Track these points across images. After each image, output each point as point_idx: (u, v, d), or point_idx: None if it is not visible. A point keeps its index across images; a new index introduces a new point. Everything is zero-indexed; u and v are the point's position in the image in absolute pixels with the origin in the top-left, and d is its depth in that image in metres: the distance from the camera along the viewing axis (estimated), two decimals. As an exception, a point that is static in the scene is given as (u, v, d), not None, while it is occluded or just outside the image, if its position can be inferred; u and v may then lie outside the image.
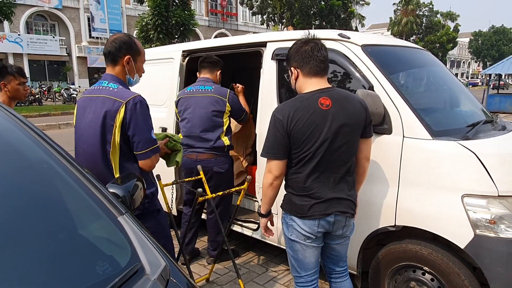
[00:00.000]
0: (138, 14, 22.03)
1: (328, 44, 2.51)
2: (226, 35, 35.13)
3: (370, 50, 2.50)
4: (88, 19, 31.52)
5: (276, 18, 31.07)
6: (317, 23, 30.47)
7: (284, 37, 2.86)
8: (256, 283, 3.16)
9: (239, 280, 2.82)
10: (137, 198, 1.63)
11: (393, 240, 2.42)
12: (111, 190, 1.49)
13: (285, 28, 28.78)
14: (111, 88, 1.97)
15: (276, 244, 3.09)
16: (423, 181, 2.22)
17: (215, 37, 37.16)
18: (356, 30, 33.32)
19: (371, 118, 2.01)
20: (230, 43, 3.29)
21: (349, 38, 2.54)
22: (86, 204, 1.24)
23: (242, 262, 3.53)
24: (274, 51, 2.87)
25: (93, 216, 1.24)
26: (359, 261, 2.58)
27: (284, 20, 30.29)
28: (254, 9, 31.50)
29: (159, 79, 3.73)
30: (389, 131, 2.33)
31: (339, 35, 2.58)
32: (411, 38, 46.55)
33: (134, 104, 1.91)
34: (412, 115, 2.27)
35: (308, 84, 1.95)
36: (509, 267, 2.02)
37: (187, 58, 3.63)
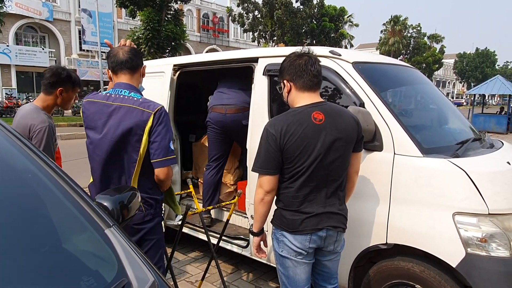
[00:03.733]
0: (130, 28, 22.11)
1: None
2: (217, 51, 35.46)
3: (361, 67, 2.52)
4: (79, 31, 31.49)
5: (267, 36, 31.51)
6: (308, 42, 31.00)
7: (275, 53, 2.88)
8: (244, 301, 3.09)
9: (227, 298, 2.75)
10: (134, 206, 1.60)
11: (385, 258, 2.39)
12: (100, 202, 1.45)
13: (276, 46, 29.15)
14: (135, 98, 2.00)
15: (265, 262, 3.03)
16: (414, 199, 2.22)
17: (206, 52, 37.45)
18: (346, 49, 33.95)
19: (362, 133, 2.01)
20: (222, 58, 3.30)
21: (340, 55, 2.57)
22: (71, 216, 1.20)
23: (230, 279, 3.45)
24: (265, 66, 2.88)
25: (78, 229, 1.20)
26: (350, 279, 2.54)
27: (275, 38, 30.74)
28: (245, 26, 31.93)
29: (150, 93, 3.68)
30: (380, 148, 2.33)
31: (330, 52, 2.61)
32: (399, 58, 47.61)
33: (160, 113, 1.97)
34: (403, 132, 2.28)
35: (301, 98, 1.94)
36: (500, 286, 2.00)
37: (178, 72, 3.62)
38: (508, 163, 2.36)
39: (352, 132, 1.94)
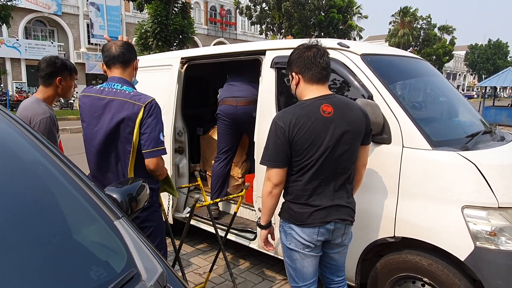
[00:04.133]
0: (138, 21, 22.10)
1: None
2: (224, 44, 35.36)
3: (369, 59, 2.50)
4: (87, 25, 31.61)
5: (274, 28, 31.30)
6: (316, 34, 30.73)
7: (283, 45, 2.86)
8: (252, 293, 3.11)
9: (235, 289, 2.77)
10: (142, 198, 1.63)
11: (392, 251, 2.39)
12: (109, 194, 1.46)
13: (284, 38, 28.97)
14: (127, 92, 2.08)
15: (273, 254, 3.05)
16: (422, 192, 2.20)
17: (214, 45, 37.38)
18: (355, 41, 33.61)
19: (371, 126, 2.00)
20: (230, 50, 3.29)
21: (348, 47, 2.55)
22: (81, 208, 1.22)
23: (238, 271, 3.48)
24: (273, 59, 2.86)
25: (88, 220, 1.21)
26: (358, 272, 2.54)
27: (283, 30, 30.53)
28: (253, 19, 31.74)
29: (157, 86, 3.71)
30: (388, 141, 2.32)
31: (339, 44, 2.58)
32: (408, 50, 46.98)
33: (151, 106, 2.04)
34: (412, 125, 2.26)
35: (309, 91, 1.93)
36: (509, 280, 1.99)
37: (185, 65, 3.62)
38: (519, 156, 2.33)
39: (360, 125, 1.93)
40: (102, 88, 2.13)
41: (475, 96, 55.35)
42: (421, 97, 2.99)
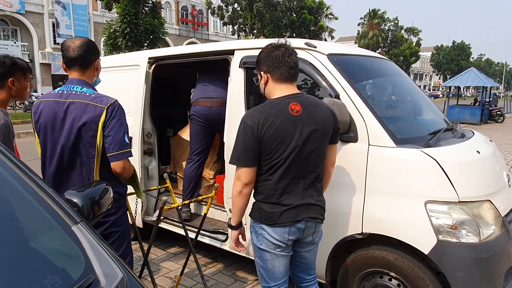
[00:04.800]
0: (106, 21, 21.56)
1: (296, 53, 2.54)
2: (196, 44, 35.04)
3: (336, 59, 2.54)
4: (53, 24, 30.52)
5: (247, 29, 31.34)
6: (288, 35, 30.99)
7: (251, 45, 2.86)
8: (224, 295, 3.09)
9: (207, 292, 2.74)
10: (106, 202, 1.59)
11: (360, 247, 2.44)
12: (69, 198, 1.41)
13: (257, 39, 28.99)
14: (87, 94, 2.01)
15: (244, 255, 3.04)
16: (388, 189, 2.26)
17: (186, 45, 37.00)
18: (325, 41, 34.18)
19: (338, 125, 2.03)
20: (198, 50, 3.25)
21: (315, 47, 2.58)
22: (37, 214, 1.16)
23: (210, 273, 3.45)
24: (241, 59, 2.86)
25: (45, 226, 1.16)
26: (328, 269, 2.57)
27: (255, 31, 30.60)
28: (225, 19, 31.64)
29: (124, 86, 3.63)
30: (355, 139, 2.36)
31: (306, 44, 2.61)
32: (377, 51, 48.30)
33: (114, 107, 1.99)
34: (377, 123, 2.31)
35: (278, 90, 1.94)
36: (470, 272, 2.07)
37: (153, 66, 3.56)
38: (478, 152, 2.43)
39: (328, 124, 1.95)
40: (60, 91, 2.04)
41: (441, 95, 57.59)
42: (386, 96, 3.07)
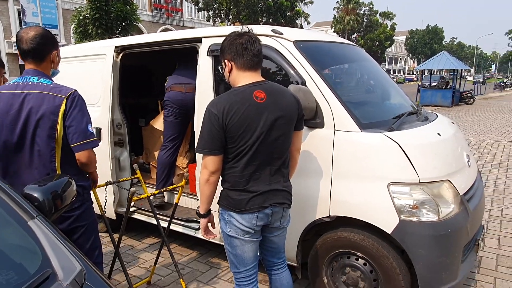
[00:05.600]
0: (75, 7, 20.79)
1: (262, 40, 2.54)
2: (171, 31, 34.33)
3: (302, 45, 2.56)
4: (19, 12, 29.15)
5: (222, 15, 30.90)
6: (264, 20, 30.78)
7: (219, 32, 2.84)
8: (199, 282, 3.13)
9: (181, 280, 2.77)
10: (69, 195, 1.58)
11: (330, 230, 2.51)
12: (29, 193, 1.39)
13: (232, 25, 28.70)
14: (45, 84, 1.96)
15: (218, 242, 3.08)
16: (353, 172, 2.32)
17: (160, 32, 36.20)
18: (301, 27, 34.15)
19: (303, 112, 2.06)
20: (165, 38, 3.20)
21: (282, 34, 2.58)
22: (-9, 210, 1.15)
23: (185, 261, 3.48)
24: (209, 46, 2.84)
25: (0, 222, 1.15)
26: (299, 252, 2.64)
27: (231, 17, 30.22)
28: (199, 5, 31.07)
29: (91, 76, 3.54)
30: (321, 125, 2.40)
31: (272, 31, 2.61)
32: (353, 36, 48.69)
33: (73, 98, 1.96)
34: (342, 109, 2.36)
35: (242, 77, 1.95)
36: (430, 249, 2.18)
37: (121, 54, 3.48)
38: (439, 134, 2.52)
39: (293, 111, 1.97)
40: (16, 83, 1.98)
41: (415, 79, 58.69)
42: (352, 81, 3.12)
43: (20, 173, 2.00)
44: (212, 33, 2.87)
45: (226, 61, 1.98)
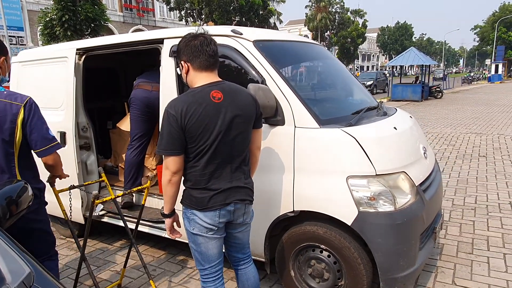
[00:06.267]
0: (41, 8, 20.15)
1: (222, 40, 2.59)
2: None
3: (261, 45, 2.61)
4: (-19, 14, 28.01)
5: (194, 14, 30.68)
6: (237, 19, 30.78)
7: (181, 33, 2.81)
8: (171, 282, 3.14)
9: (151, 281, 2.77)
10: (24, 200, 1.58)
11: (294, 224, 2.58)
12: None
13: (206, 24, 28.54)
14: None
15: (184, 241, 3.09)
16: (313, 168, 2.39)
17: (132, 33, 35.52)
18: (275, 26, 34.35)
19: (260, 110, 2.11)
20: (126, 40, 3.18)
21: (241, 34, 2.63)
22: None
23: (157, 262, 3.48)
24: (171, 48, 2.84)
25: None
26: (266, 248, 2.70)
27: (203, 16, 30.05)
28: (171, 4, 30.74)
29: (54, 79, 3.48)
30: (282, 122, 2.46)
31: (232, 31, 2.65)
32: (326, 34, 49.37)
33: (30, 105, 2.02)
34: (301, 106, 2.42)
35: (199, 78, 1.98)
36: (388, 237, 2.28)
37: (83, 57, 3.44)
38: (395, 128, 2.63)
39: (250, 109, 2.02)
40: None
41: (388, 75, 60.02)
42: (313, 79, 3.20)
43: None
44: (173, 34, 2.88)
45: (182, 62, 2.01)
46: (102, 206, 3.69)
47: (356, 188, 2.28)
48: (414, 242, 2.36)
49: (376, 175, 2.28)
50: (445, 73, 20.43)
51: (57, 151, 2.13)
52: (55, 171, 2.24)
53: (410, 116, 3.18)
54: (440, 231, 2.74)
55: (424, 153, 2.82)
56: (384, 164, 2.33)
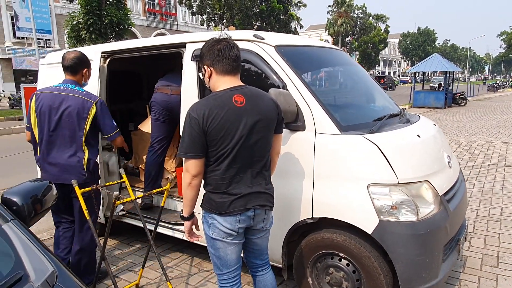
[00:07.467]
0: (68, 12, 20.78)
1: (243, 45, 2.60)
2: (165, 35, 34.30)
3: (283, 50, 2.60)
4: (12, 17, 29.10)
5: (216, 19, 30.99)
6: (258, 24, 30.91)
7: (203, 38, 2.86)
8: (188, 284, 3.15)
9: (168, 283, 2.79)
10: (49, 199, 1.61)
11: (313, 231, 2.54)
12: (7, 197, 1.42)
13: (227, 29, 28.79)
14: (80, 91, 2.81)
15: (204, 244, 3.10)
16: (334, 174, 2.36)
17: (154, 36, 36.18)
18: (295, 31, 34.32)
19: (282, 116, 2.10)
20: (150, 44, 3.24)
21: (263, 38, 2.63)
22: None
23: (175, 264, 3.50)
24: (193, 52, 2.87)
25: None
26: (284, 254, 2.67)
27: (225, 21, 30.32)
28: (193, 9, 31.15)
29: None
30: (302, 128, 2.44)
31: (254, 36, 2.66)
32: (347, 39, 48.99)
33: (100, 103, 2.83)
34: (323, 112, 2.40)
35: (222, 82, 1.98)
36: (410, 248, 2.22)
37: (108, 60, 3.51)
38: (418, 136, 2.57)
39: (272, 114, 2.01)
40: (58, 87, 2.81)
41: (409, 81, 59.06)
42: (334, 85, 3.17)
43: (54, 153, 2.79)
44: (196, 39, 2.91)
45: (205, 66, 2.02)
46: (122, 207, 3.75)
47: (377, 196, 2.24)
48: (437, 253, 2.29)
49: (398, 183, 2.23)
50: (447, 81, 19.32)
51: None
52: (121, 146, 3.12)
53: (434, 124, 3.11)
54: (464, 243, 2.64)
55: (449, 162, 2.74)
56: (406, 173, 2.28)
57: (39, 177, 4.17)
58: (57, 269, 1.10)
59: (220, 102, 1.91)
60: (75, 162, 2.77)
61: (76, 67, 2.85)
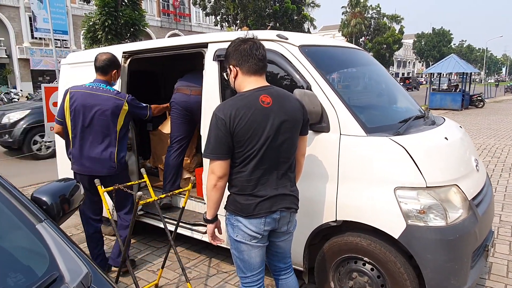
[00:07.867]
0: (85, 13, 21.07)
1: (267, 45, 2.55)
2: (179, 36, 34.54)
3: (307, 50, 2.56)
4: (30, 18, 29.67)
5: (229, 19, 31.06)
6: (271, 24, 30.85)
7: (225, 38, 2.85)
8: (206, 285, 3.13)
9: (188, 283, 2.78)
10: (77, 198, 1.61)
11: (336, 234, 2.50)
12: (37, 197, 1.42)
13: (240, 29, 28.83)
14: (110, 90, 3.00)
15: (225, 246, 3.08)
16: (359, 177, 2.31)
17: (168, 37, 36.48)
18: (309, 31, 34.17)
19: (308, 117, 2.06)
20: (172, 44, 3.23)
21: (287, 39, 2.60)
22: (1, 213, 1.17)
23: (193, 265, 3.49)
24: (215, 52, 2.86)
25: (9, 225, 1.17)
26: (305, 257, 2.63)
27: (238, 21, 30.37)
28: (207, 10, 31.29)
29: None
30: (327, 129, 2.40)
31: (278, 36, 2.63)
32: (361, 39, 48.58)
33: (131, 100, 3.04)
34: (348, 113, 2.35)
35: (248, 82, 1.96)
36: (437, 253, 2.15)
37: (129, 60, 3.53)
38: (446, 138, 2.50)
39: (298, 115, 1.98)
40: (90, 86, 2.99)
41: (424, 82, 58.20)
42: (358, 86, 3.12)
43: (88, 148, 2.96)
44: (218, 39, 2.90)
45: (231, 66, 2.00)
46: (140, 206, 3.75)
47: (405, 200, 2.18)
48: (466, 260, 2.23)
49: (427, 187, 2.17)
50: (451, 83, 18.85)
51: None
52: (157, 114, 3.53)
53: (460, 126, 3.03)
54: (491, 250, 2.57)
55: (476, 166, 2.67)
56: (435, 176, 2.21)
57: (58, 173, 4.24)
58: (91, 271, 1.09)
59: (247, 103, 1.88)
60: (108, 156, 2.95)
61: (107, 68, 3.02)
